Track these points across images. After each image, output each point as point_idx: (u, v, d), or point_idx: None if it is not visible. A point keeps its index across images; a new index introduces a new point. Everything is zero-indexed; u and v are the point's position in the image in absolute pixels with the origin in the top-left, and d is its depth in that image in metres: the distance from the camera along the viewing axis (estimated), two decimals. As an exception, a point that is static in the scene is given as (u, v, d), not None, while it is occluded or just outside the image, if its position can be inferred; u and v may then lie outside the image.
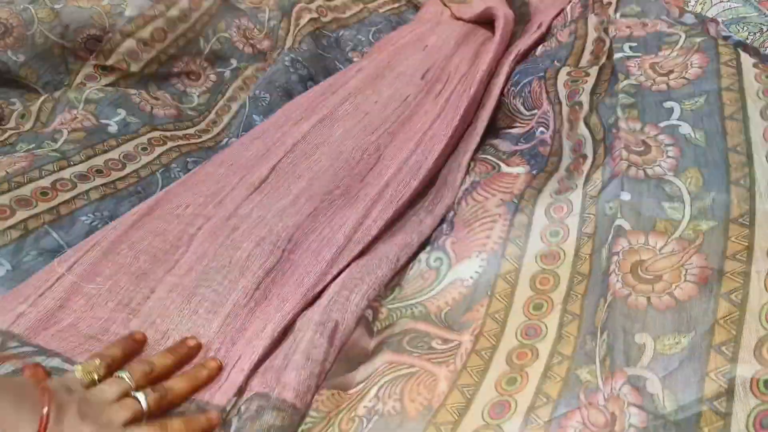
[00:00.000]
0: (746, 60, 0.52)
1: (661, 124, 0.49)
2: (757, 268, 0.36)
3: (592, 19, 0.68)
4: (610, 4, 0.70)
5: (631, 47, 0.58)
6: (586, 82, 0.58)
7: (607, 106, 0.53)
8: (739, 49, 0.53)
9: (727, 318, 0.34)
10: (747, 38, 0.69)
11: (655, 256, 0.39)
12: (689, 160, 0.45)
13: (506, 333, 0.40)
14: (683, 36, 0.57)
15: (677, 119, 0.49)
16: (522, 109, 0.64)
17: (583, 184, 0.48)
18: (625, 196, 0.43)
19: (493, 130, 0.65)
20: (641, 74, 0.54)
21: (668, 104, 0.50)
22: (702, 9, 0.74)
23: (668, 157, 0.46)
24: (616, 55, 0.58)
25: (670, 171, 0.45)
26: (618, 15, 0.67)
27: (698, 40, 0.55)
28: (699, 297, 0.36)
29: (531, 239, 0.46)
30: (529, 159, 0.57)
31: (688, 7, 0.74)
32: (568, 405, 0.34)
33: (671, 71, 0.54)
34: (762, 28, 0.70)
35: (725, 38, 0.64)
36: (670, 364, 0.33)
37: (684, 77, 0.52)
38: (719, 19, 0.69)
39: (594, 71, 0.59)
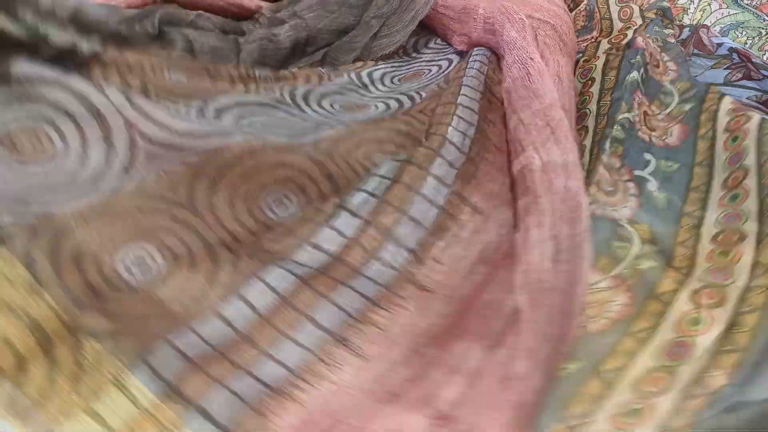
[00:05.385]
0: (721, 125, 0.53)
1: (636, 172, 0.51)
2: (680, 308, 0.39)
3: (604, 45, 0.68)
4: (625, 35, 0.68)
5: (642, 78, 0.59)
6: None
7: (605, 134, 0.54)
8: (718, 113, 0.54)
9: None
10: (746, 43, 0.72)
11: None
12: (644, 216, 0.48)
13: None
14: (676, 99, 0.58)
15: (649, 174, 0.51)
16: None
17: None
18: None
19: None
20: (637, 114, 0.56)
21: (647, 156, 0.53)
22: (702, 16, 0.76)
23: (626, 207, 0.49)
24: (632, 74, 0.57)
25: (625, 219, 0.47)
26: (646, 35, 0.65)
27: (687, 108, 0.57)
28: (609, 333, 0.39)
29: None
30: None
31: (688, 14, 0.75)
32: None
33: (654, 129, 0.56)
34: (761, 32, 0.72)
35: (717, 45, 0.68)
36: None
37: (664, 141, 0.55)
38: (718, 26, 0.72)
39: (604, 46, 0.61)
